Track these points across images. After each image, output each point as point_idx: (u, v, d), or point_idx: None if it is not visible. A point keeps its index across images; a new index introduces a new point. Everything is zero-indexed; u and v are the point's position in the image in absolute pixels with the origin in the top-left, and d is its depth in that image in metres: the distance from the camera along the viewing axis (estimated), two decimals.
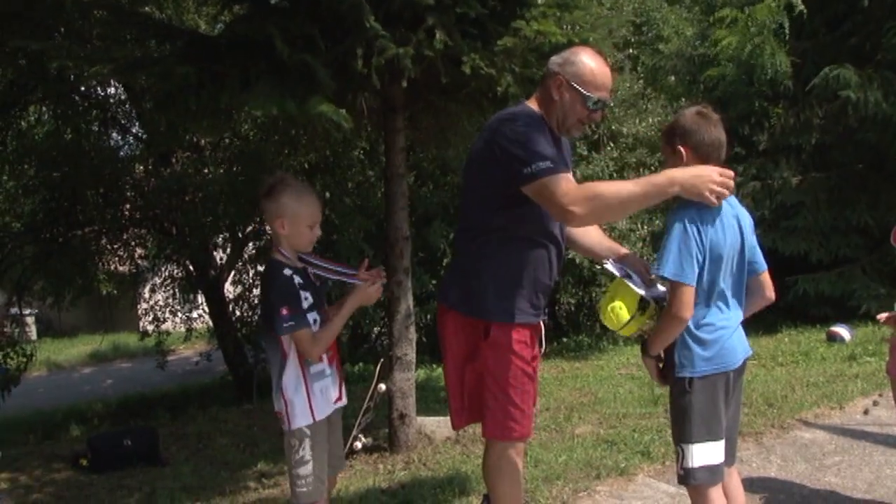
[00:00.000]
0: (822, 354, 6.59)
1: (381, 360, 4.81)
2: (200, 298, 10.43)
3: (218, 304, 9.54)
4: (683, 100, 9.80)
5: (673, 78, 10.63)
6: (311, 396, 2.43)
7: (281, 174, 2.55)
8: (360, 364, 9.19)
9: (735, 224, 2.31)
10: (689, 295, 2.18)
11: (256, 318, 9.54)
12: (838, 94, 7.93)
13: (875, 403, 4.74)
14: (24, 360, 8.79)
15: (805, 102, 8.72)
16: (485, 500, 2.74)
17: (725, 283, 2.29)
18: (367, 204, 8.50)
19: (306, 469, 2.43)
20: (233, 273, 9.93)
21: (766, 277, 2.44)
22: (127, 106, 9.08)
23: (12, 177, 9.23)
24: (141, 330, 11.42)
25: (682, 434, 2.29)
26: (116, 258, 9.88)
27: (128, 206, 9.05)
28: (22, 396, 9.17)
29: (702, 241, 2.19)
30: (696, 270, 2.19)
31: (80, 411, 9.99)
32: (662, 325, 2.26)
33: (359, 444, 4.64)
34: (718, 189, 2.18)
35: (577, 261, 8.13)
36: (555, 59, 2.49)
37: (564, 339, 9.27)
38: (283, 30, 3.48)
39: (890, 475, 3.59)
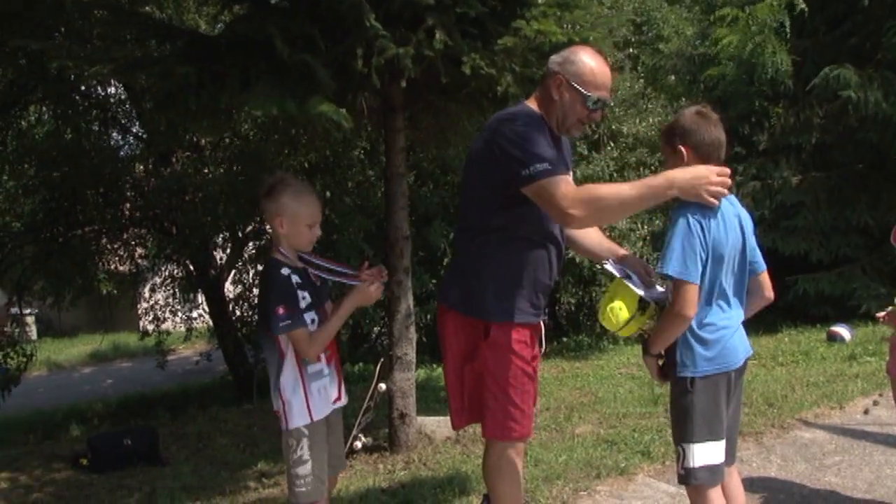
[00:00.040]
0: (823, 354, 6.59)
1: (381, 359, 4.81)
2: (200, 298, 10.43)
3: (218, 304, 9.54)
4: (683, 99, 9.79)
5: (673, 77, 10.63)
6: (308, 396, 2.43)
7: (281, 174, 2.55)
8: (360, 364, 9.18)
9: (737, 223, 2.32)
10: (692, 293, 2.18)
11: (256, 317, 9.53)
12: (838, 94, 7.93)
13: (875, 403, 4.74)
14: (25, 359, 8.78)
15: (805, 102, 8.71)
16: (485, 499, 2.74)
17: (727, 282, 2.30)
18: (367, 203, 8.50)
19: (305, 469, 2.43)
20: (233, 273, 9.93)
21: (765, 277, 2.45)
22: (127, 106, 9.08)
23: (12, 177, 9.23)
24: (141, 330, 11.42)
25: (684, 434, 2.29)
26: (116, 258, 9.87)
27: (128, 205, 9.05)
28: (22, 396, 9.17)
29: (705, 239, 2.19)
30: (700, 269, 2.19)
31: (80, 411, 9.99)
32: (665, 324, 2.25)
33: (359, 444, 4.64)
34: (716, 189, 2.18)
35: (577, 260, 8.13)
36: (554, 58, 2.49)
37: (564, 339, 9.27)
38: (283, 30, 3.48)
39: (890, 475, 3.59)
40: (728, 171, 2.23)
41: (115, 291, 12.05)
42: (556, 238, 2.55)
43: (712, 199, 2.18)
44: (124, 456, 5.08)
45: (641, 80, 10.35)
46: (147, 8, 5.95)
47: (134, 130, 9.44)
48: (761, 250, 2.46)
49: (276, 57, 3.47)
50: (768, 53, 8.44)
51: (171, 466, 4.99)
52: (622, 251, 2.67)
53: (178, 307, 11.14)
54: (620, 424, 4.79)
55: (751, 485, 3.46)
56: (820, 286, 8.20)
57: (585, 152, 8.85)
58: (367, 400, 4.69)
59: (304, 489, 2.44)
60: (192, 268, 9.52)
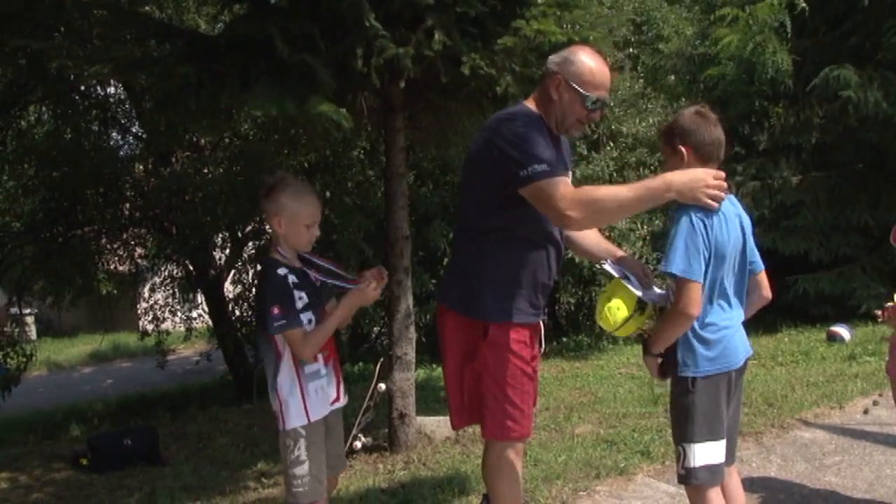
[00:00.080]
0: (822, 354, 6.59)
1: (381, 359, 4.81)
2: (200, 298, 10.43)
3: (218, 304, 9.54)
4: (683, 99, 9.78)
5: (673, 77, 10.62)
6: (305, 397, 2.42)
7: (282, 174, 2.55)
8: (360, 363, 9.18)
9: (738, 223, 2.32)
10: (696, 291, 2.17)
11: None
12: (838, 94, 7.92)
13: (875, 403, 4.74)
14: (25, 359, 8.78)
15: (805, 102, 8.71)
16: (485, 499, 2.74)
17: (728, 281, 2.30)
18: (367, 203, 8.49)
19: (302, 469, 2.43)
20: (232, 273, 9.93)
21: (763, 277, 2.45)
22: (127, 105, 9.08)
23: (12, 177, 9.23)
24: (141, 330, 11.41)
25: (684, 434, 2.28)
26: (116, 258, 9.87)
27: (128, 205, 9.05)
28: (22, 396, 9.16)
29: (708, 237, 2.20)
30: (704, 267, 2.19)
31: (80, 411, 9.99)
32: (668, 323, 2.25)
33: (359, 444, 4.64)
34: (713, 192, 2.18)
35: (577, 260, 8.12)
36: (553, 58, 2.48)
37: (564, 339, 9.26)
38: (283, 29, 3.48)
39: (890, 475, 3.59)
40: (723, 174, 2.23)
41: (115, 291, 12.07)
42: (556, 238, 2.55)
43: (709, 202, 2.18)
44: (124, 456, 5.08)
45: (641, 80, 10.35)
46: (147, 8, 5.95)
47: (134, 130, 9.44)
48: (760, 250, 2.47)
49: (276, 57, 3.47)
50: (769, 53, 8.44)
51: (171, 466, 4.99)
52: (620, 252, 2.67)
53: (178, 307, 11.14)
54: (620, 424, 4.78)
55: (751, 485, 3.47)
56: (820, 286, 8.19)
57: (585, 152, 8.84)
58: (366, 400, 4.69)
59: (301, 489, 2.43)
60: (191, 268, 9.52)
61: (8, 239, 8.83)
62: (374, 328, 9.95)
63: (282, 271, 2.41)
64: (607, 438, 4.44)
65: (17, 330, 9.74)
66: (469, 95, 4.21)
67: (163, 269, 10.50)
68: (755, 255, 2.42)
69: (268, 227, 2.34)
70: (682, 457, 2.29)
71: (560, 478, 3.75)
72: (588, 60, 2.41)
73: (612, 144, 9.09)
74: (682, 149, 2.26)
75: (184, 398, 10.07)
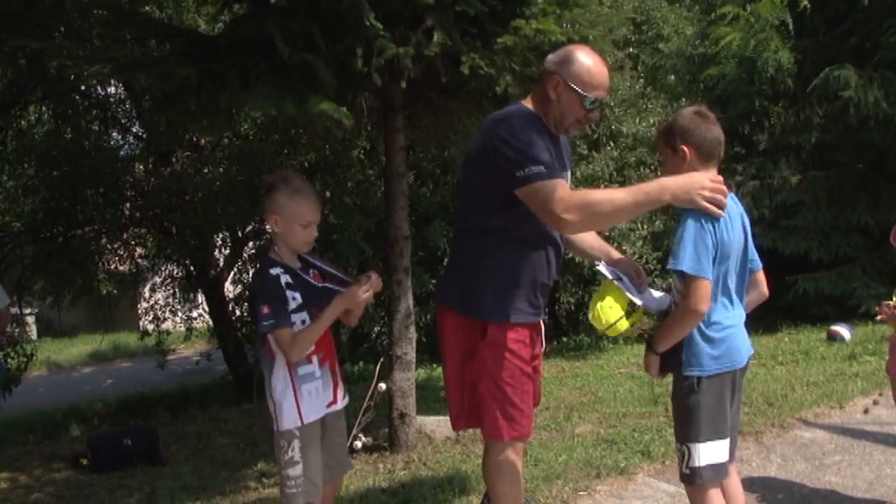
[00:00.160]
0: (822, 354, 6.59)
1: (381, 359, 4.81)
2: (200, 298, 10.43)
3: (218, 304, 9.54)
4: (683, 99, 9.78)
5: (673, 77, 10.62)
6: (298, 398, 2.41)
7: (285, 172, 2.53)
8: (360, 363, 9.18)
9: (740, 222, 2.33)
10: (706, 289, 2.17)
11: None
12: (839, 94, 7.92)
13: (875, 402, 4.74)
14: (25, 359, 8.79)
15: (805, 101, 8.71)
16: (485, 499, 2.74)
17: (731, 280, 2.31)
18: (366, 203, 8.49)
19: (296, 470, 2.42)
20: (232, 273, 9.94)
21: (761, 275, 2.47)
22: (127, 105, 9.09)
23: (12, 176, 9.24)
24: (141, 329, 11.42)
25: (689, 433, 2.28)
26: (116, 258, 9.87)
27: (128, 205, 9.05)
28: (22, 396, 9.16)
29: (715, 234, 2.20)
30: (712, 264, 2.19)
31: (80, 411, 9.98)
32: (676, 320, 2.25)
33: (359, 444, 4.64)
34: (710, 195, 2.18)
35: (577, 260, 8.11)
36: (551, 58, 2.48)
37: (564, 339, 9.26)
38: (284, 29, 3.48)
39: (890, 474, 3.59)
40: (721, 178, 2.23)
41: (115, 291, 12.07)
42: (555, 238, 2.55)
43: (707, 205, 2.17)
44: (124, 456, 5.07)
45: (641, 80, 10.35)
46: (147, 8, 5.94)
47: (134, 130, 9.45)
48: (760, 250, 2.48)
49: (276, 57, 3.47)
50: (771, 51, 8.44)
51: (171, 466, 4.98)
52: (616, 253, 2.67)
53: (178, 307, 11.14)
54: (620, 424, 4.78)
55: (751, 484, 3.47)
56: (820, 286, 8.20)
57: (585, 152, 8.84)
58: (367, 400, 4.69)
59: (294, 491, 2.42)
60: (191, 268, 9.53)
61: (8, 239, 8.84)
62: (375, 328, 9.95)
63: (275, 271, 2.41)
64: (607, 438, 4.44)
65: (17, 330, 9.74)
66: (469, 95, 4.21)
67: (163, 269, 10.50)
68: (754, 254, 2.42)
69: (267, 226, 2.34)
70: (686, 456, 2.29)
71: (560, 477, 3.75)
72: (586, 60, 2.41)
73: (612, 144, 9.09)
74: (684, 148, 2.26)
75: (184, 398, 10.07)
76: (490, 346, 2.46)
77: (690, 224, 2.19)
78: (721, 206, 2.20)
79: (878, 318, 3.21)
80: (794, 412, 4.68)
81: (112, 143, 9.50)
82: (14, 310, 9.22)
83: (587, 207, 2.26)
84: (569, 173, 2.62)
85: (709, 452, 2.26)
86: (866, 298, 7.85)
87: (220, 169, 8.72)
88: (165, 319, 10.94)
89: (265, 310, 2.34)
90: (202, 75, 3.62)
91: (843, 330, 7.12)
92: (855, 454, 3.91)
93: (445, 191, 8.90)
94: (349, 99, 4.28)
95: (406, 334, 4.54)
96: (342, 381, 2.60)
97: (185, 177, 8.42)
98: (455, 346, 2.56)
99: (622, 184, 8.59)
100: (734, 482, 2.47)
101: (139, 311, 11.71)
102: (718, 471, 2.29)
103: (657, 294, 2.42)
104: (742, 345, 2.33)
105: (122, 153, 9.49)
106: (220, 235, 9.46)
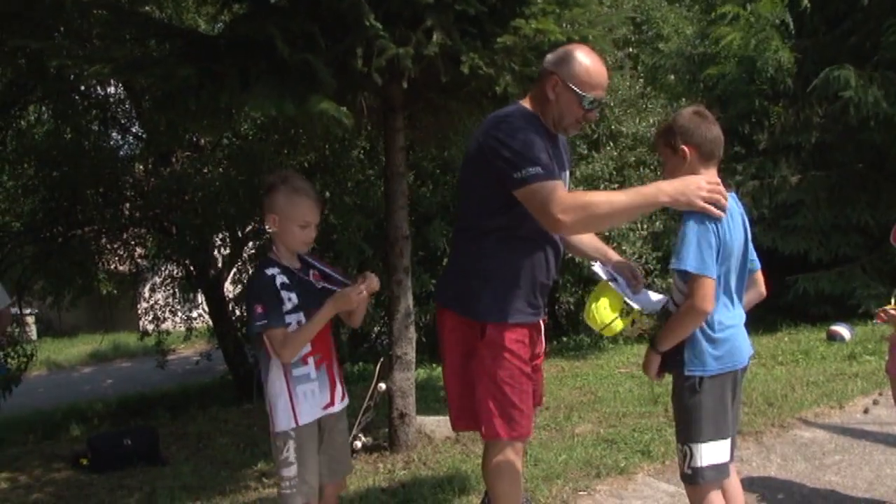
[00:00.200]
0: (822, 353, 6.59)
1: (381, 359, 4.81)
2: (200, 298, 10.43)
3: (218, 304, 9.54)
4: (683, 99, 9.79)
5: (673, 77, 10.62)
6: (293, 400, 2.41)
7: (286, 172, 2.53)
8: (360, 363, 9.18)
9: (741, 221, 2.33)
10: (711, 287, 2.17)
11: None
12: (839, 94, 7.93)
13: (875, 402, 4.74)
14: (25, 359, 8.79)
15: (805, 101, 8.72)
16: (485, 499, 2.74)
17: (732, 279, 2.30)
18: (366, 203, 8.49)
19: (290, 471, 2.42)
20: (232, 272, 9.94)
21: (759, 275, 2.47)
22: (127, 105, 9.09)
23: (12, 176, 9.24)
24: (141, 329, 11.42)
25: (691, 433, 2.28)
26: (116, 258, 9.88)
27: (128, 205, 9.05)
28: (22, 396, 9.16)
29: (719, 234, 2.20)
30: (716, 263, 2.19)
31: (80, 411, 9.99)
32: (680, 319, 2.24)
33: (359, 444, 4.64)
34: (708, 195, 2.17)
35: (577, 260, 8.10)
36: (549, 58, 2.47)
37: (564, 339, 9.26)
38: (284, 29, 3.48)
39: (890, 474, 3.59)
40: (718, 179, 2.23)
41: (115, 291, 12.07)
42: (555, 238, 2.55)
43: (706, 206, 2.17)
44: (124, 456, 5.08)
45: (641, 80, 10.35)
46: (147, 8, 5.94)
47: (134, 130, 9.45)
48: (760, 249, 2.48)
49: (276, 57, 3.47)
50: (771, 50, 8.44)
51: (171, 466, 4.99)
52: (613, 253, 2.67)
53: (178, 307, 11.14)
54: (620, 424, 4.78)
55: (751, 484, 3.47)
56: (820, 285, 8.20)
57: (585, 152, 8.85)
58: (367, 400, 4.69)
59: (288, 491, 2.42)
60: (191, 268, 9.53)
61: (8, 239, 8.83)
62: (374, 328, 9.95)
63: (270, 271, 2.40)
64: (607, 438, 4.44)
65: (17, 330, 9.74)
66: (469, 95, 4.21)
67: (163, 269, 10.50)
68: (753, 254, 2.42)
69: (266, 226, 2.33)
70: (688, 457, 2.29)
71: (560, 477, 3.75)
72: (585, 60, 2.40)
73: (612, 144, 9.10)
74: (685, 148, 2.26)
75: (184, 398, 10.07)
76: (489, 347, 2.46)
77: (694, 223, 2.19)
78: (720, 207, 2.20)
79: (877, 322, 3.22)
80: (794, 412, 4.68)
81: (112, 143, 9.51)
82: (14, 310, 9.24)
83: (584, 209, 2.26)
84: (568, 173, 2.61)
85: (711, 452, 2.26)
86: (866, 298, 7.85)
87: (220, 169, 8.72)
88: (165, 319, 10.94)
89: (258, 309, 2.34)
90: (202, 75, 3.62)
91: (843, 330, 7.12)
92: (855, 454, 3.91)
93: (445, 191, 8.90)
94: (349, 99, 4.28)
95: (406, 334, 4.54)
96: (341, 383, 2.58)
97: (185, 177, 8.42)
98: (455, 346, 2.56)
99: (622, 184, 8.60)
100: (734, 482, 2.47)
101: (139, 311, 11.70)
102: (720, 471, 2.29)
103: (654, 295, 2.42)
104: (743, 345, 2.33)
105: (121, 153, 9.50)
106: (220, 235, 9.46)
